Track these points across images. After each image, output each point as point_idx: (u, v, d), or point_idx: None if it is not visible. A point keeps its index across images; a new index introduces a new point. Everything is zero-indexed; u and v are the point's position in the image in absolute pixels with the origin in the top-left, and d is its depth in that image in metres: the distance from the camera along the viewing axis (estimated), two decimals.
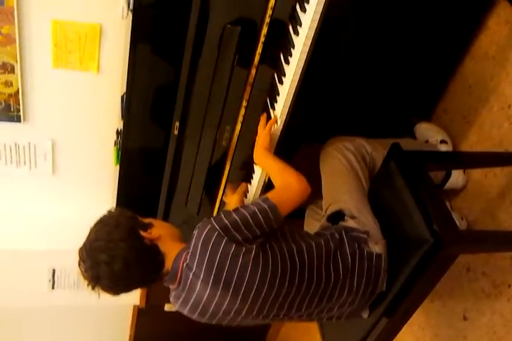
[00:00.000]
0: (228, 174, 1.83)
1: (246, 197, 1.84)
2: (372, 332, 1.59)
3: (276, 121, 1.57)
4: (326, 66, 1.58)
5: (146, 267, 1.40)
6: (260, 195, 1.76)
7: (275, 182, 1.55)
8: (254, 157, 1.63)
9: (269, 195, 1.45)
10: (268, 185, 1.70)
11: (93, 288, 1.39)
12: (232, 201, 1.78)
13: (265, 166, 1.63)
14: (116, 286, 1.40)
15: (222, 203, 1.88)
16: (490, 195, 1.94)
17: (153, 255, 1.41)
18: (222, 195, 1.87)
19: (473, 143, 2.01)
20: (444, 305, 2.15)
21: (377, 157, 1.74)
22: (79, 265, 1.41)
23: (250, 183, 1.80)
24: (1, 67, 1.95)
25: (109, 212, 1.48)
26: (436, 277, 1.49)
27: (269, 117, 1.61)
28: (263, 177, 1.72)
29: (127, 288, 1.43)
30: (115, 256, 1.35)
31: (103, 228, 1.41)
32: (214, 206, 1.95)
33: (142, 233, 1.40)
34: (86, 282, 1.40)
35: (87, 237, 1.42)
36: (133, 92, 1.74)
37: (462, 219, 2.01)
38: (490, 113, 1.93)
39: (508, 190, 1.86)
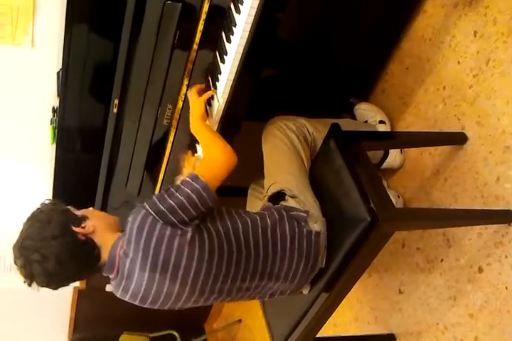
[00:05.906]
0: (170, 153, 1.81)
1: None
2: (313, 307, 1.63)
3: (218, 100, 1.55)
4: (268, 45, 1.57)
5: (80, 263, 1.38)
6: None
7: (203, 153, 1.53)
8: (190, 126, 1.59)
9: (198, 170, 1.43)
10: None
11: (29, 285, 1.37)
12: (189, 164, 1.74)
13: (198, 135, 1.59)
14: (51, 283, 1.38)
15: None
16: (425, 174, 2.00)
17: (87, 250, 1.38)
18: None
19: (409, 123, 2.07)
20: (381, 280, 2.22)
21: (318, 137, 1.75)
22: (15, 262, 1.37)
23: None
24: None
25: (42, 205, 1.43)
26: (373, 253, 1.53)
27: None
28: None
29: (63, 284, 1.41)
30: (47, 255, 1.32)
31: (34, 224, 1.36)
32: (155, 186, 1.93)
33: (75, 228, 1.37)
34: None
35: (20, 234, 1.38)
36: (69, 68, 1.68)
37: (399, 197, 2.06)
38: (426, 94, 1.98)
39: (442, 168, 1.92)
